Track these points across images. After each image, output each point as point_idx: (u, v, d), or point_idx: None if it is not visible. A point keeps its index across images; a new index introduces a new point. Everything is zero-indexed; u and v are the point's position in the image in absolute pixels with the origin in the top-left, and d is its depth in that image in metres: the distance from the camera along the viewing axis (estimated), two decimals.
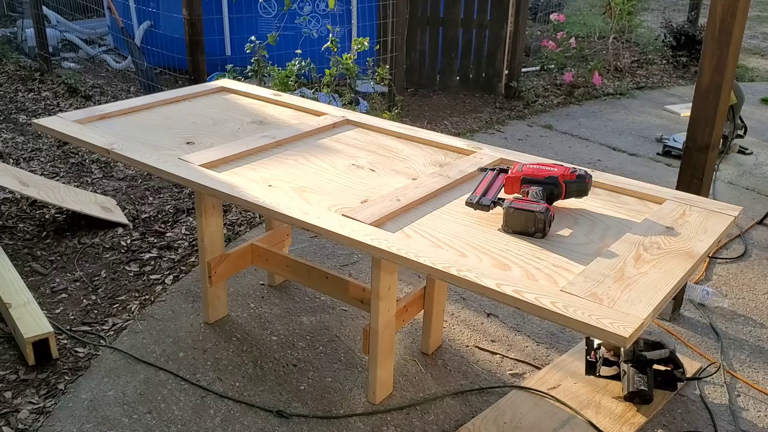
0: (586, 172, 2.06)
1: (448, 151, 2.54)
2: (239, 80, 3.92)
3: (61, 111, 4.79)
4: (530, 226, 1.87)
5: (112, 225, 3.55)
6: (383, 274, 2.17)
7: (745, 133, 5.06)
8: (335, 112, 2.87)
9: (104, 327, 2.76)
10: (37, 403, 2.34)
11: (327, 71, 4.50)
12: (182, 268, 3.20)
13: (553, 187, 1.99)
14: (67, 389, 2.41)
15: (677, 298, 2.95)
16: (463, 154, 2.49)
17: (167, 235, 3.51)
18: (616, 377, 2.44)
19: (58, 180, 4.01)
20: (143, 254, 3.31)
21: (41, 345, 2.51)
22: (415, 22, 6.16)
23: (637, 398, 2.35)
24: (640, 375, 2.34)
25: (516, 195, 2.01)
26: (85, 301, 2.94)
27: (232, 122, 2.76)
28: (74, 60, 6.72)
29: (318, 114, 2.87)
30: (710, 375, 2.57)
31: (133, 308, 2.88)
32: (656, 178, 4.44)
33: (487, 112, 5.88)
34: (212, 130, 2.65)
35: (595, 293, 1.61)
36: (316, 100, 4.12)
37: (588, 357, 2.45)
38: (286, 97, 3.08)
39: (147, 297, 2.97)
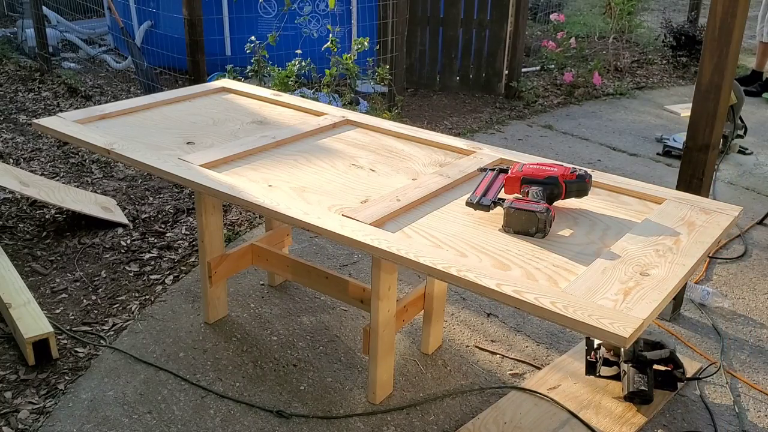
0: (586, 171, 2.06)
1: (448, 151, 2.54)
2: (239, 80, 3.92)
3: (61, 111, 4.79)
4: (531, 226, 1.87)
5: (112, 225, 3.55)
6: (383, 274, 2.17)
7: (745, 133, 5.06)
8: (335, 112, 2.87)
9: (104, 327, 2.76)
10: (37, 403, 2.34)
11: (327, 71, 4.50)
12: (182, 268, 3.20)
13: (553, 187, 1.99)
14: (67, 389, 2.41)
15: (677, 298, 2.95)
16: (463, 154, 2.49)
17: (167, 235, 3.51)
18: (616, 377, 2.43)
19: (58, 180, 4.01)
20: (143, 254, 3.31)
21: (41, 345, 2.51)
22: (415, 22, 6.16)
23: (637, 398, 2.35)
24: (640, 375, 2.34)
25: (516, 195, 2.01)
26: (85, 301, 2.94)
27: (232, 122, 2.76)
28: (74, 60, 6.72)
29: (318, 114, 2.87)
30: (710, 375, 2.57)
31: (133, 308, 2.88)
32: (656, 178, 4.44)
33: (487, 112, 5.88)
34: (212, 130, 2.65)
35: (595, 293, 1.61)
36: (316, 100, 4.12)
37: (588, 357, 2.45)
38: (286, 97, 3.08)
39: (147, 297, 2.97)
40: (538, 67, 7.11)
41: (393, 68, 5.18)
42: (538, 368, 2.58)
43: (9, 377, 2.45)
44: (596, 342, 2.46)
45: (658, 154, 4.99)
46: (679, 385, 2.45)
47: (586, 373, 2.44)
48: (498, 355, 2.66)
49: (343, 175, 2.29)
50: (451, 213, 2.04)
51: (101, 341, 2.67)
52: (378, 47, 5.37)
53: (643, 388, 2.31)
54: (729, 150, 4.92)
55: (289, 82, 4.33)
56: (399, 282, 3.05)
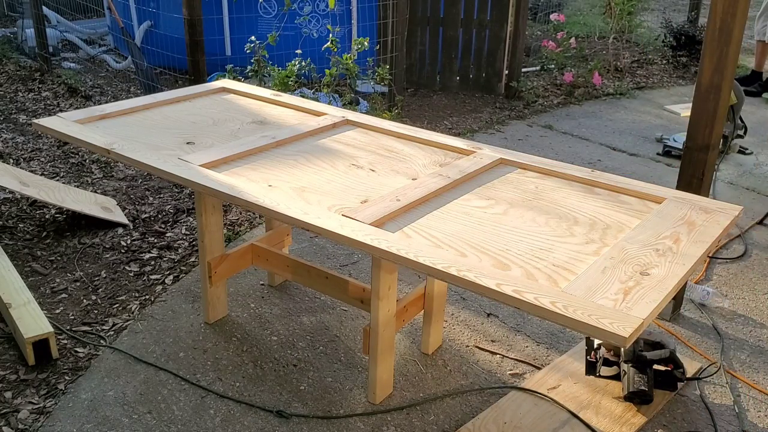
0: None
1: (448, 151, 2.54)
2: (239, 80, 3.92)
3: (61, 111, 4.79)
4: None
5: (112, 225, 3.55)
6: (383, 274, 2.17)
7: (745, 133, 5.06)
8: (335, 113, 2.87)
9: (104, 327, 2.76)
10: (37, 403, 2.34)
11: (327, 71, 4.50)
12: (182, 268, 3.20)
13: None
14: (67, 389, 2.40)
15: (677, 298, 2.95)
16: (463, 154, 2.49)
17: (167, 235, 3.51)
18: (616, 377, 2.43)
19: (58, 180, 4.01)
20: (143, 254, 3.31)
21: (41, 345, 2.51)
22: (415, 22, 6.16)
23: (637, 398, 2.35)
24: (640, 375, 2.34)
25: None
26: (85, 301, 2.93)
27: (233, 122, 2.76)
28: (74, 60, 6.72)
29: (318, 114, 2.87)
30: (710, 375, 2.57)
31: (133, 308, 2.88)
32: (656, 178, 4.44)
33: (487, 112, 5.88)
34: (212, 130, 2.65)
35: (594, 293, 1.61)
36: (316, 100, 4.12)
37: (588, 357, 2.45)
38: (286, 97, 3.08)
39: (147, 297, 2.96)
40: (538, 67, 7.11)
41: (393, 68, 5.18)
42: (538, 368, 2.58)
43: (9, 377, 2.45)
44: (596, 342, 2.46)
45: (658, 154, 4.99)
46: (679, 385, 2.45)
47: (586, 373, 2.44)
48: (498, 355, 2.66)
49: (343, 175, 2.29)
50: (451, 213, 2.04)
51: (101, 341, 2.67)
52: (378, 47, 5.37)
53: (643, 388, 2.31)
54: (729, 150, 4.92)
55: (289, 82, 4.33)
56: (399, 282, 3.05)
